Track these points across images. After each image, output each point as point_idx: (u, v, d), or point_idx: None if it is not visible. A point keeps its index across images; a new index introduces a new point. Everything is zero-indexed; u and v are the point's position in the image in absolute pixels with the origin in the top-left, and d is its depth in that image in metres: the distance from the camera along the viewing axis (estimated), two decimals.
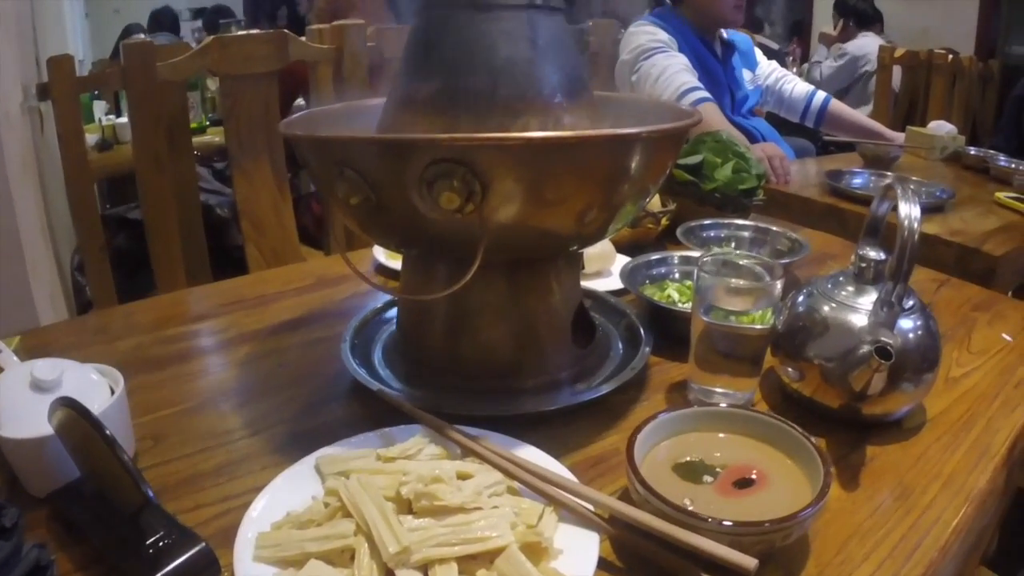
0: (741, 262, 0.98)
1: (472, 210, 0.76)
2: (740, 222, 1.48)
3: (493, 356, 0.95)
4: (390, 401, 0.90)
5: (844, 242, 1.62)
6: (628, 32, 2.66)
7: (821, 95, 2.80)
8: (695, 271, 0.93)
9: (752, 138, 2.59)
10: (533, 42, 0.88)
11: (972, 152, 2.51)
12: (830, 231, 1.73)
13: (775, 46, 5.49)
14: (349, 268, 0.91)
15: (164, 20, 5.81)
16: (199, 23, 6.05)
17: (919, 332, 0.90)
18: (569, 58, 0.93)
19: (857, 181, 2.15)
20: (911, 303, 0.91)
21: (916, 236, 0.82)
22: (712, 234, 1.46)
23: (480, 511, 0.70)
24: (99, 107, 3.30)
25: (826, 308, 0.93)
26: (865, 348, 0.82)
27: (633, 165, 0.84)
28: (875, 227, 0.97)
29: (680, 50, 2.56)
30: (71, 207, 2.04)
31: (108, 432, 0.70)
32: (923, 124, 2.92)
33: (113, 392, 0.85)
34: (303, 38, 2.11)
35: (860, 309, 0.90)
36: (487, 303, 0.93)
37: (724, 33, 2.74)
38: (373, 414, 0.91)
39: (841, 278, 0.96)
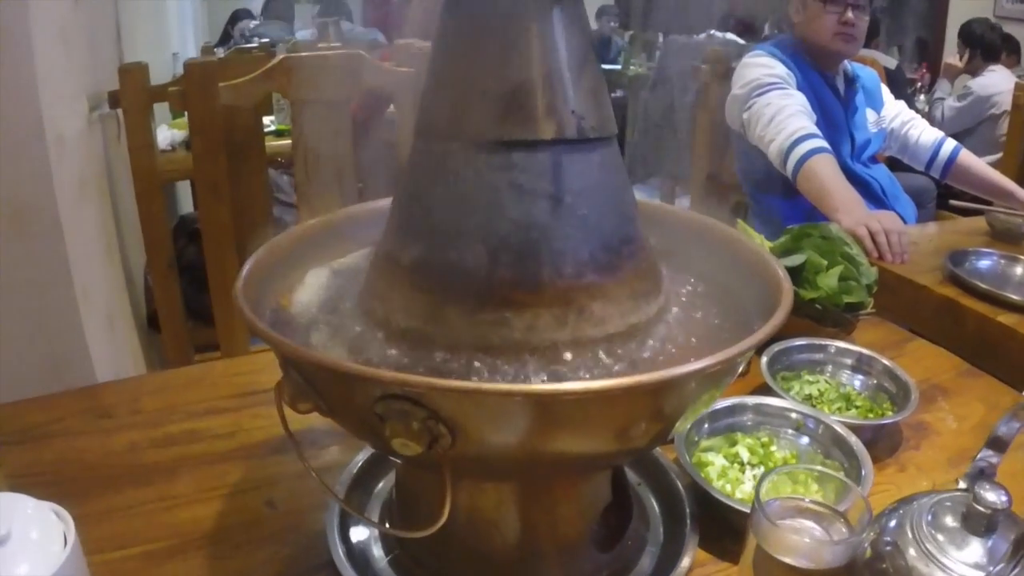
0: (819, 469, 0.80)
1: (438, 454, 0.58)
2: (841, 346, 1.26)
3: (487, 569, 0.78)
4: None
5: (959, 366, 1.38)
6: (742, 63, 2.44)
7: (950, 145, 2.52)
8: (757, 483, 0.75)
9: (869, 190, 2.35)
10: (556, 198, 0.67)
11: None
12: (945, 333, 1.51)
13: (891, 63, 5.05)
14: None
15: (279, 3, 5.40)
16: (317, 8, 5.77)
17: None
18: (611, 210, 0.72)
19: (983, 264, 1.89)
20: None
21: None
22: (804, 357, 1.25)
23: None
24: None
25: (914, 554, 0.72)
26: None
27: (688, 391, 0.65)
28: (998, 445, 0.77)
29: (798, 87, 2.33)
30: (140, 220, 1.99)
31: None
32: None
33: (67, 541, 0.75)
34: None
35: (956, 572, 0.69)
36: (482, 515, 0.76)
37: (848, 67, 2.48)
38: None
39: (948, 504, 0.75)
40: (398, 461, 0.81)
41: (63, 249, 1.71)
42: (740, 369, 0.71)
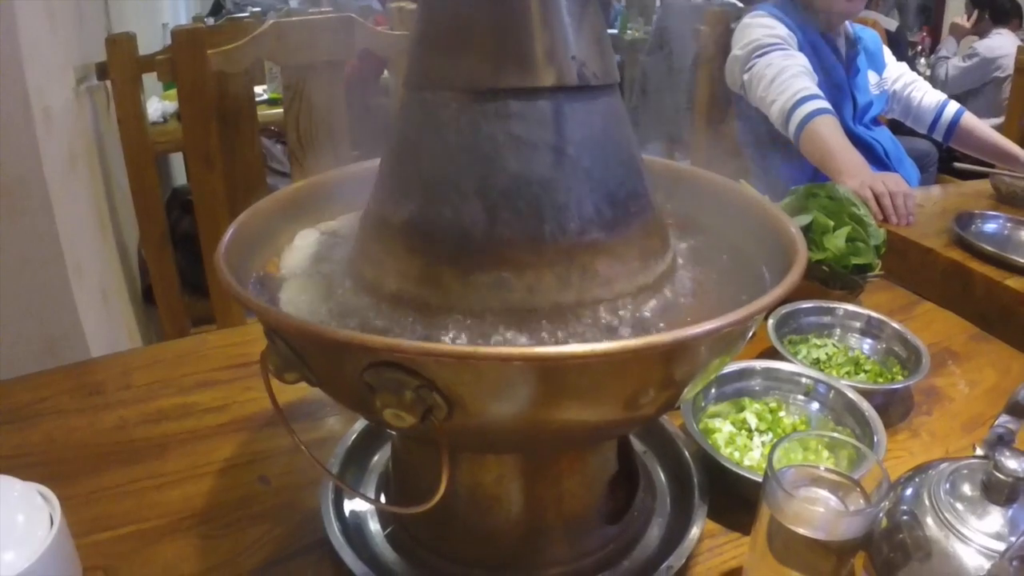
0: (831, 435, 0.77)
1: (434, 426, 0.54)
2: (850, 308, 1.22)
3: (492, 544, 0.75)
4: None
5: (968, 330, 1.34)
6: (743, 23, 2.38)
7: (953, 107, 2.47)
8: (769, 452, 0.71)
9: (872, 152, 2.31)
10: (558, 149, 0.62)
11: None
12: (953, 296, 1.48)
13: (892, 25, 4.98)
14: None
15: None
16: None
17: None
18: (617, 162, 0.67)
19: (989, 228, 1.85)
20: None
21: None
22: (812, 320, 1.22)
23: None
24: None
25: (932, 524, 0.68)
26: None
27: (699, 355, 0.61)
28: (1018, 411, 0.73)
29: (800, 48, 2.28)
30: (132, 192, 1.96)
31: None
32: None
33: (53, 522, 0.74)
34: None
35: (977, 543, 0.65)
36: (484, 489, 0.72)
37: (850, 28, 2.43)
38: None
39: (966, 472, 0.71)
40: (392, 433, 0.77)
41: (54, 225, 1.68)
42: (752, 332, 0.67)
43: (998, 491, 0.68)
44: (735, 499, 0.84)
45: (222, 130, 1.92)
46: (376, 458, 0.92)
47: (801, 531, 0.67)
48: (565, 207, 0.62)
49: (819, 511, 0.68)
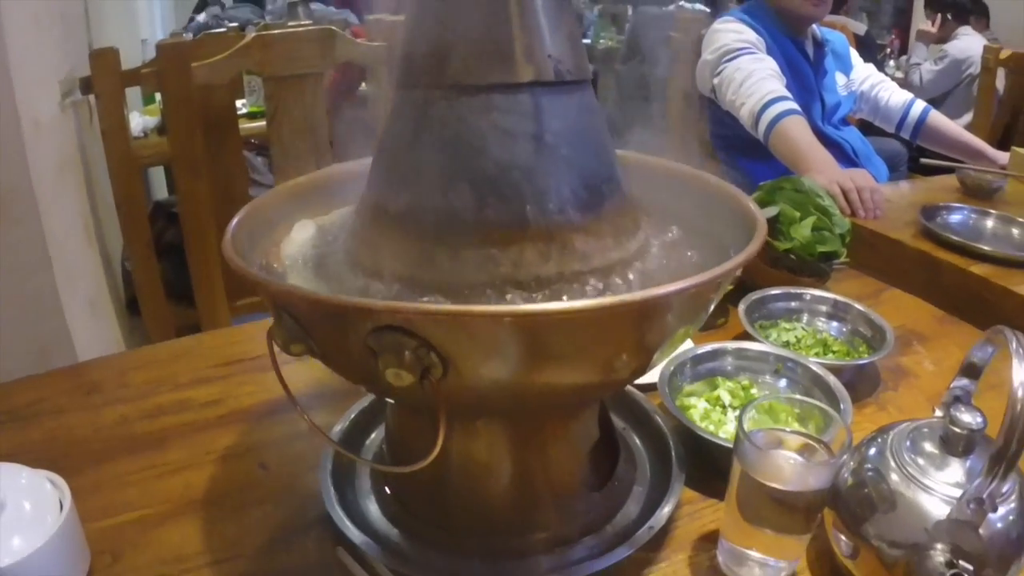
0: (803, 398, 0.82)
1: (431, 385, 0.59)
2: (817, 293, 1.28)
3: (484, 512, 0.80)
4: (350, 567, 0.75)
5: (935, 313, 1.41)
6: (712, 29, 2.44)
7: (919, 106, 2.54)
8: (739, 413, 0.76)
9: (842, 151, 2.37)
10: (538, 138, 0.68)
11: None
12: (921, 284, 1.53)
13: (861, 29, 5.06)
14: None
15: None
16: None
17: (1011, 518, 0.71)
18: (591, 150, 0.73)
19: (955, 219, 1.91)
20: (1008, 485, 0.71)
21: None
22: (780, 306, 1.28)
23: None
24: None
25: (896, 477, 0.74)
26: (938, 553, 0.65)
27: (672, 315, 0.66)
28: (972, 372, 0.79)
29: (768, 51, 2.34)
30: (116, 202, 1.99)
31: None
32: None
33: (62, 506, 0.77)
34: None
35: (938, 492, 0.71)
36: (475, 458, 0.77)
37: (818, 32, 2.50)
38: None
39: (925, 431, 0.77)
40: (390, 402, 0.82)
41: (42, 234, 1.70)
42: (719, 295, 0.73)
43: (955, 444, 0.74)
44: (711, 469, 0.89)
45: (206, 142, 1.96)
46: (371, 438, 0.97)
47: (772, 484, 0.72)
48: (545, 190, 0.68)
49: (788, 462, 0.73)
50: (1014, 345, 0.67)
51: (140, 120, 2.86)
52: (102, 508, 0.88)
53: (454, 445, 0.75)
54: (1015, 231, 1.86)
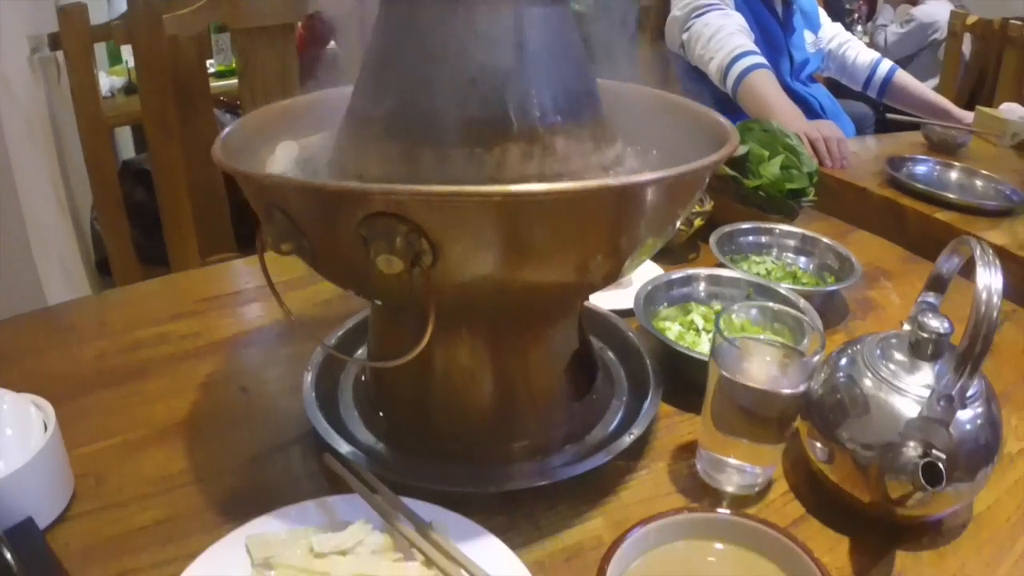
0: (774, 306, 0.84)
1: (420, 273, 0.61)
2: (785, 228, 1.31)
3: (466, 419, 0.81)
4: (337, 471, 0.76)
5: (901, 253, 1.44)
6: None
7: (886, 65, 2.58)
8: (716, 319, 0.79)
9: (809, 108, 2.39)
10: (520, 45, 0.69)
11: None
12: (887, 230, 1.56)
13: None
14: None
15: None
16: None
17: (979, 422, 0.74)
18: (570, 62, 0.74)
19: (920, 170, 1.95)
20: (975, 388, 0.74)
21: (996, 315, 0.65)
22: (751, 240, 1.31)
23: None
24: (127, 48, 3.17)
25: (869, 383, 0.76)
26: (910, 449, 0.68)
27: (646, 211, 0.68)
28: (939, 284, 0.81)
29: (737, 7, 2.35)
30: (86, 161, 1.97)
31: None
32: (991, 101, 2.68)
33: (47, 428, 0.78)
34: None
35: (910, 393, 0.74)
36: (457, 363, 0.79)
37: None
38: (330, 470, 0.79)
39: (894, 341, 0.80)
40: (377, 305, 0.83)
41: (14, 191, 1.70)
42: (689, 207, 0.75)
43: (924, 349, 0.76)
44: (687, 385, 0.91)
45: (177, 100, 1.94)
46: (358, 353, 0.98)
47: (748, 384, 0.75)
48: (527, 94, 0.70)
49: (765, 359, 0.76)
50: (978, 252, 0.70)
51: (107, 80, 2.84)
52: (84, 435, 0.88)
53: (438, 351, 0.77)
54: (978, 182, 1.90)
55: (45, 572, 0.66)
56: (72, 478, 0.80)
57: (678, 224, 0.78)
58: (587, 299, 0.88)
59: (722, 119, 0.81)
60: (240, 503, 0.78)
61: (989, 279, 0.67)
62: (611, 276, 0.74)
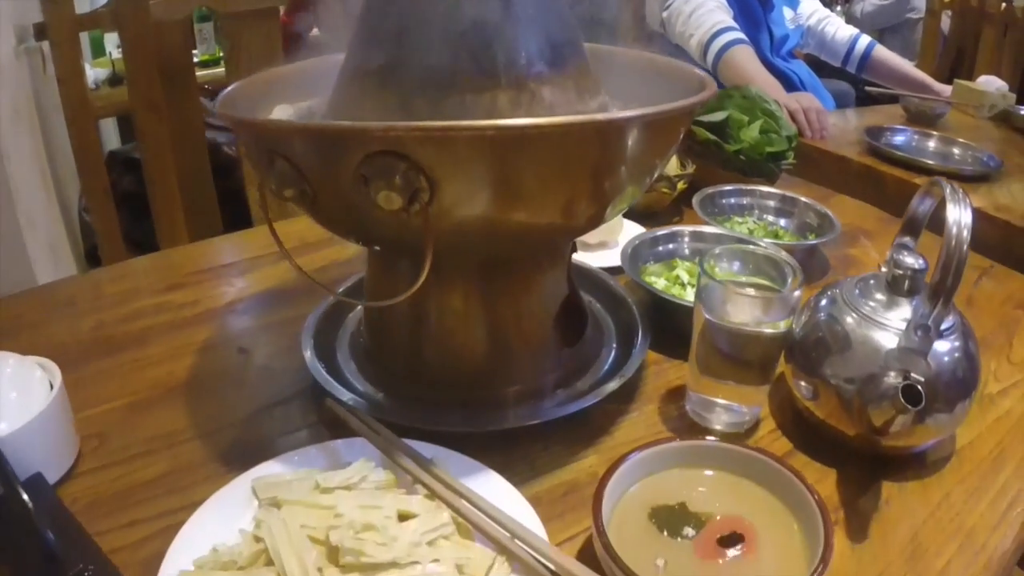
0: (757, 250, 0.86)
1: (419, 211, 0.63)
2: (765, 190, 1.35)
3: (460, 364, 0.84)
4: (338, 413, 0.79)
5: (880, 215, 1.48)
6: None
7: (865, 40, 2.62)
8: (699, 267, 0.81)
9: (789, 83, 2.42)
10: (507, 1, 0.72)
11: (1023, 112, 2.33)
12: (867, 197, 1.58)
13: None
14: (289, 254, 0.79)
15: None
16: None
17: (956, 355, 0.77)
18: (555, 15, 0.77)
19: (899, 139, 1.99)
20: (951, 322, 0.78)
21: (965, 248, 0.69)
22: (733, 202, 1.34)
23: (416, 566, 0.60)
24: (110, 39, 3.17)
25: (850, 320, 0.79)
26: (891, 379, 0.70)
27: (626, 152, 0.70)
28: (914, 226, 0.84)
29: None
30: (74, 151, 1.97)
31: (9, 468, 0.66)
32: (970, 76, 2.72)
33: (52, 387, 0.78)
34: None
35: (889, 327, 0.77)
36: (450, 307, 0.81)
37: None
38: (331, 418, 0.82)
39: (872, 282, 0.83)
40: (375, 251, 0.85)
41: (5, 177, 1.71)
42: (667, 158, 0.78)
43: (900, 285, 0.79)
44: (675, 334, 0.94)
45: (164, 86, 1.95)
46: (349, 323, 1.00)
47: (733, 323, 0.77)
48: (514, 44, 0.72)
49: (748, 294, 0.78)
50: (948, 191, 0.73)
51: (91, 72, 2.84)
52: (86, 400, 0.89)
53: (433, 295, 0.80)
54: (956, 150, 1.94)
55: (58, 519, 0.67)
56: (77, 438, 0.82)
57: (657, 175, 0.81)
58: (575, 248, 0.91)
59: (700, 72, 0.85)
60: (243, 454, 0.80)
61: (959, 215, 0.70)
62: (595, 220, 0.77)
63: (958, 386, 0.77)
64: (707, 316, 0.79)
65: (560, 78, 0.75)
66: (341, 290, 1.01)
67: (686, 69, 0.88)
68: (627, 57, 0.97)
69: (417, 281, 0.67)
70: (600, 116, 0.64)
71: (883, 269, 0.84)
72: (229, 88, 0.81)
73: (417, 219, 0.63)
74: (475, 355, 0.83)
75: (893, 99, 2.44)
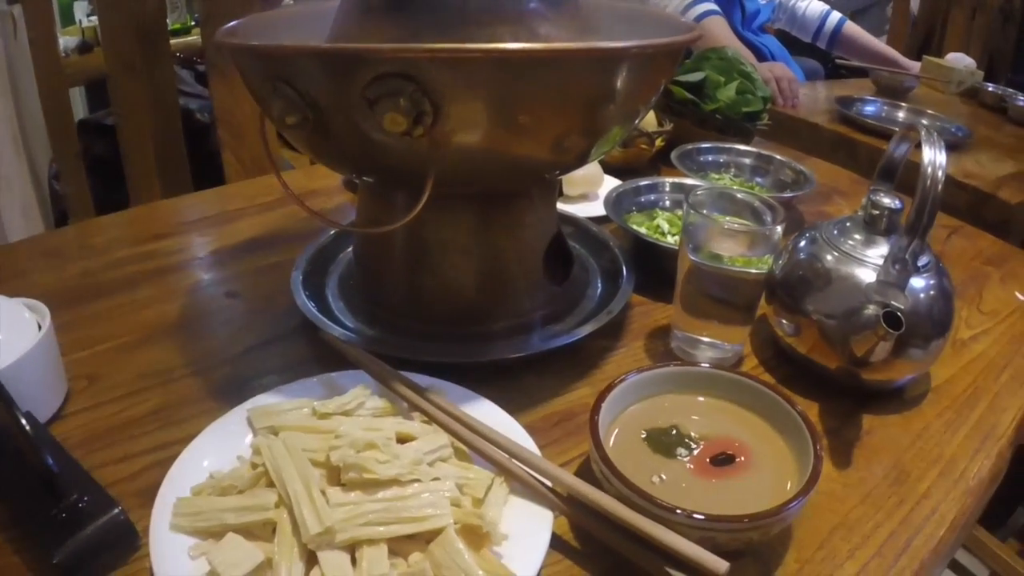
0: (738, 195, 0.89)
1: (422, 133, 0.65)
2: (742, 148, 1.37)
3: (455, 297, 0.86)
4: (333, 344, 0.80)
5: (853, 177, 1.51)
6: None
7: (836, 16, 2.65)
8: (685, 203, 0.84)
9: (761, 56, 2.45)
10: None
11: (990, 89, 2.37)
12: (839, 162, 1.62)
13: None
14: (294, 191, 0.81)
15: None
16: None
17: (932, 293, 0.80)
18: None
19: (869, 110, 2.03)
20: (926, 260, 0.80)
21: (940, 187, 0.71)
22: (710, 159, 1.36)
23: (418, 484, 0.62)
24: (80, 7, 3.15)
25: (830, 258, 0.82)
26: (871, 310, 0.73)
27: (618, 85, 0.72)
28: (891, 170, 0.86)
29: None
30: (45, 114, 1.96)
31: (6, 393, 0.64)
32: (939, 56, 2.78)
33: (41, 327, 0.78)
34: None
35: (868, 263, 0.80)
36: (447, 239, 0.83)
37: None
38: (322, 355, 0.83)
39: (849, 224, 0.85)
40: (370, 179, 0.86)
41: None
42: (654, 96, 0.81)
43: (878, 224, 0.82)
44: (659, 277, 0.97)
45: (140, 50, 1.94)
46: (337, 265, 1.02)
47: (719, 251, 0.80)
48: None
49: (734, 228, 0.81)
50: (923, 134, 0.75)
51: (61, 40, 2.81)
52: (75, 342, 0.89)
53: (429, 225, 0.82)
54: (925, 121, 1.98)
55: (52, 453, 0.66)
56: (65, 380, 0.81)
57: (639, 119, 0.85)
58: (558, 176, 0.94)
59: (685, 20, 0.87)
60: (237, 388, 0.81)
61: (933, 155, 0.73)
62: (582, 157, 0.80)
63: (934, 321, 0.80)
64: (692, 258, 0.81)
65: (558, 16, 0.77)
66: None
67: (672, 17, 0.91)
68: (616, 6, 0.99)
69: (416, 207, 0.68)
70: (603, 44, 0.67)
71: (860, 213, 0.87)
72: (229, 25, 0.82)
73: (420, 143, 0.65)
74: (469, 287, 0.86)
75: (863, 73, 2.48)
